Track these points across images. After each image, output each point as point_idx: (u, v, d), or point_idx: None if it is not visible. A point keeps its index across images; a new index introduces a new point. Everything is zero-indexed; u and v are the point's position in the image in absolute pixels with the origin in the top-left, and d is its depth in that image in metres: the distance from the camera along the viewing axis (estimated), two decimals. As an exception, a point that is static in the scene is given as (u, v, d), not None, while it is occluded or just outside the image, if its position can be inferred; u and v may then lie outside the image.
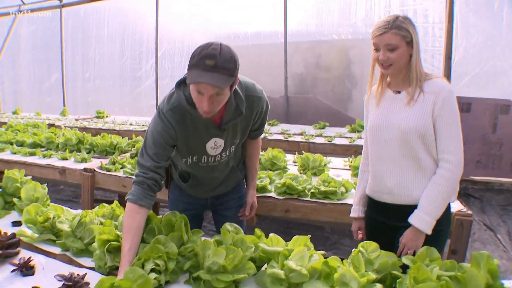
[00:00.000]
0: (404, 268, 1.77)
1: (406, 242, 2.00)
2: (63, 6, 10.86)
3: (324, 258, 1.77)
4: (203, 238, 2.08)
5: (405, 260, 1.78)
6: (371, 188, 2.25)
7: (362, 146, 5.36)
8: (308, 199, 3.11)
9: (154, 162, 2.02)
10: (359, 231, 2.40)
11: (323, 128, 7.32)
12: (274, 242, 1.94)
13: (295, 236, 1.92)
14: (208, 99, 1.80)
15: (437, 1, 7.26)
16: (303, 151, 4.11)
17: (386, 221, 2.18)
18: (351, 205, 2.86)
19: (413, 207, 2.02)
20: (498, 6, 6.81)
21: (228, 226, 2.07)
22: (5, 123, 7.01)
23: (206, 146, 2.14)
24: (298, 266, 1.67)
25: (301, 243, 1.89)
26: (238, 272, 1.78)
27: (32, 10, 11.28)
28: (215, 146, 2.15)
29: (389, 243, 2.02)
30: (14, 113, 10.28)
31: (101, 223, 2.16)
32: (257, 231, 2.07)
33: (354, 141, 5.88)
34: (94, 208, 3.77)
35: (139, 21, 10.11)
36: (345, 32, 8.17)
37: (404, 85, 2.06)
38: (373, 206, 2.28)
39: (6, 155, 4.70)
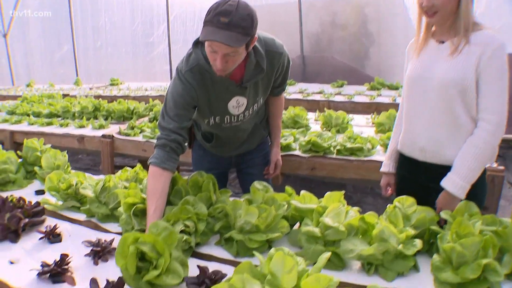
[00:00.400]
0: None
1: (441, 206, 1.87)
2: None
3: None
4: (231, 198, 2.01)
5: (444, 215, 1.67)
6: (403, 143, 2.11)
7: (383, 104, 5.37)
8: (334, 156, 3.03)
9: (176, 123, 1.93)
10: (388, 187, 2.28)
11: (341, 86, 7.14)
12: (306, 199, 1.85)
13: (328, 193, 1.82)
14: (221, 58, 1.73)
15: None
16: (325, 109, 3.99)
17: (416, 180, 2.06)
18: (378, 162, 2.79)
19: (445, 167, 1.88)
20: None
21: (257, 184, 1.98)
22: (19, 96, 6.96)
23: (228, 105, 2.05)
24: (335, 223, 1.58)
25: (335, 200, 1.78)
26: (272, 231, 1.70)
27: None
28: (237, 105, 2.06)
29: (419, 203, 1.84)
30: (27, 86, 10.21)
31: (125, 187, 2.09)
32: (288, 188, 1.98)
33: (374, 98, 5.72)
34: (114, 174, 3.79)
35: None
36: (361, -11, 7.90)
37: (449, 34, 1.87)
38: (403, 162, 2.15)
39: (24, 127, 4.67)
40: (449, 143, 1.88)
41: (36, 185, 2.64)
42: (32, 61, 11.97)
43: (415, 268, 1.54)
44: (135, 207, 1.81)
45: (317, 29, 8.40)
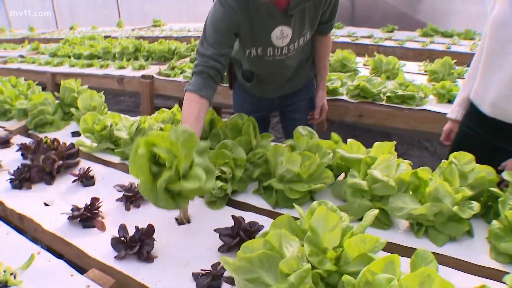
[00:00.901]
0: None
1: (510, 170, 1.62)
2: None
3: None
4: (272, 143, 1.87)
5: (507, 176, 1.46)
6: (475, 92, 1.87)
7: (436, 51, 5.01)
8: (384, 103, 2.82)
9: (215, 50, 1.80)
10: (450, 135, 2.08)
11: (391, 31, 6.72)
12: (354, 149, 1.68)
13: (377, 142, 1.63)
14: None
15: None
16: (375, 53, 3.73)
17: (481, 135, 1.85)
18: (430, 112, 2.59)
19: None
20: None
21: (301, 129, 1.81)
22: (63, 39, 6.94)
23: (272, 35, 1.89)
24: (384, 177, 1.41)
25: (385, 150, 1.60)
26: (314, 181, 1.56)
27: None
28: (281, 35, 1.90)
29: (482, 160, 1.61)
30: (71, 29, 10.22)
31: (161, 129, 1.98)
32: (334, 135, 1.80)
33: (426, 45, 5.32)
34: (154, 116, 3.73)
35: None
36: None
37: None
38: (472, 113, 1.91)
39: (65, 69, 4.65)
40: None
41: (73, 126, 2.60)
42: (76, 4, 11.93)
43: (469, 233, 1.36)
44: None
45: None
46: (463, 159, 1.55)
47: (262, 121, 2.28)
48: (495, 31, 1.71)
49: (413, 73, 3.80)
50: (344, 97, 2.88)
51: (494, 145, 1.79)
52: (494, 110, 1.75)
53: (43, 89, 3.21)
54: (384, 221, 1.41)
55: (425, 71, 3.75)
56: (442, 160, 1.58)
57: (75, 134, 2.43)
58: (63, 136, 2.46)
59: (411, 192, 1.45)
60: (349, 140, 1.72)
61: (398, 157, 1.55)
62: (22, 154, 2.15)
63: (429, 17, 7.21)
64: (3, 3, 13.33)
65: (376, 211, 1.13)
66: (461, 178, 1.49)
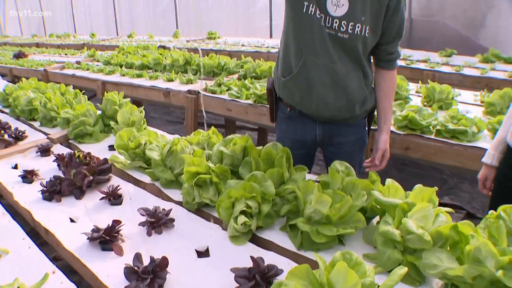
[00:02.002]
0: None
1: None
2: None
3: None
4: (308, 177, 1.77)
5: None
6: None
7: (495, 79, 4.74)
8: (432, 137, 2.67)
9: None
10: (486, 182, 1.92)
11: (449, 56, 6.46)
12: (391, 191, 1.53)
13: (418, 187, 1.48)
14: None
15: None
16: (429, 81, 3.56)
17: None
18: (483, 149, 2.35)
19: None
20: None
21: (338, 165, 1.71)
22: (119, 47, 7.12)
23: None
24: (420, 229, 1.26)
25: (424, 197, 1.45)
26: (344, 224, 1.44)
27: None
28: (337, 2, 1.82)
29: None
30: (129, 36, 10.53)
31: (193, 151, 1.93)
32: (373, 174, 1.67)
33: (486, 72, 5.03)
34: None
35: None
36: None
37: None
38: (509, 157, 1.76)
39: (115, 78, 4.74)
40: None
41: (111, 139, 2.60)
42: (136, 12, 12.30)
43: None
44: (198, 177, 1.64)
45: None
46: (514, 213, 1.38)
47: (306, 159, 2.19)
48: None
49: (468, 103, 3.60)
50: (391, 127, 2.74)
51: None
52: None
53: (94, 96, 3.26)
54: (415, 276, 1.27)
55: (482, 102, 3.53)
56: (489, 212, 1.42)
57: (112, 148, 2.43)
58: (101, 149, 2.46)
59: (448, 248, 1.31)
60: (387, 180, 1.59)
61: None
62: (58, 165, 2.17)
63: (492, 41, 6.90)
64: (71, 8, 13.93)
65: (405, 269, 1.01)
66: (510, 236, 1.29)
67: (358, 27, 1.86)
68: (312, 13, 1.86)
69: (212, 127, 2.15)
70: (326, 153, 2.25)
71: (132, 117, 2.46)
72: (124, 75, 4.75)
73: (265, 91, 3.16)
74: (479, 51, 6.62)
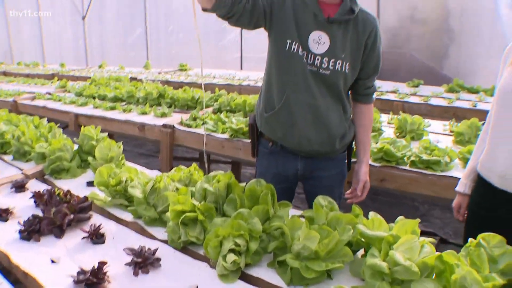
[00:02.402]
0: None
1: None
2: (148, -43, 10.74)
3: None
4: (291, 212, 1.79)
5: None
6: (482, 163, 1.79)
7: (461, 109, 4.94)
8: (407, 168, 2.74)
9: None
10: (460, 210, 1.98)
11: (417, 86, 6.69)
12: (375, 224, 1.57)
13: (401, 219, 1.54)
14: None
15: None
16: (401, 112, 3.68)
17: (492, 211, 1.74)
18: (457, 178, 2.43)
19: None
20: None
21: (321, 200, 1.74)
22: (90, 78, 7.08)
23: (310, 37, 1.93)
24: (407, 261, 1.30)
25: (408, 229, 1.49)
26: (332, 258, 1.47)
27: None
28: (318, 40, 1.92)
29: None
30: (99, 67, 10.49)
31: (177, 189, 1.92)
32: (355, 208, 1.71)
33: (452, 102, 5.25)
34: (172, 167, 3.68)
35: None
36: (444, -19, 7.37)
37: None
38: (481, 187, 1.82)
39: (88, 110, 4.70)
40: None
41: (89, 175, 2.57)
42: (106, 43, 12.29)
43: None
44: (184, 215, 1.63)
45: (395, 24, 7.90)
46: (493, 241, 1.43)
47: (287, 193, 2.21)
48: (503, 99, 1.68)
49: (438, 133, 3.72)
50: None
51: (508, 219, 1.67)
52: (504, 182, 1.66)
53: (66, 127, 3.22)
54: (405, 308, 1.30)
55: (451, 131, 3.68)
56: (469, 240, 1.47)
57: (90, 184, 2.39)
58: (78, 185, 2.42)
59: (434, 277, 1.35)
60: (370, 214, 1.63)
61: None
62: (35, 202, 2.12)
63: (455, 72, 7.19)
64: (40, 36, 13.80)
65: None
66: (491, 263, 1.37)
67: (339, 63, 1.95)
68: (295, 51, 1.93)
69: (194, 164, 2.15)
70: (306, 186, 2.29)
71: (111, 153, 2.45)
72: (97, 107, 4.71)
73: (241, 126, 3.22)
74: (444, 81, 6.88)
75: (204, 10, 1.82)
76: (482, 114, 4.59)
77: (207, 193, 1.82)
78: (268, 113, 2.08)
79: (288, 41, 1.94)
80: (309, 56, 1.94)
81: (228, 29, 9.72)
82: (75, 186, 2.39)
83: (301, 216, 1.76)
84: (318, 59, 1.93)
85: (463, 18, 7.30)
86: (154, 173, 2.38)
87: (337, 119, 2.07)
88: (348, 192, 2.24)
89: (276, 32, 1.97)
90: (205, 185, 1.83)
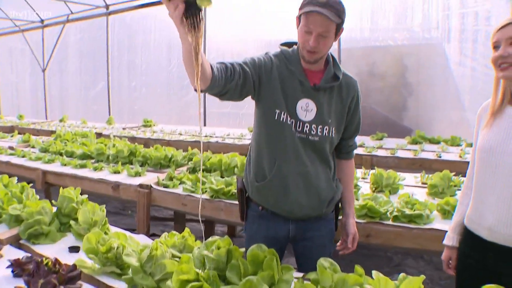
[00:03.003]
0: None
1: None
2: (109, 13, 10.82)
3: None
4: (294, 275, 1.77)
5: None
6: (470, 218, 1.87)
7: (427, 160, 5.12)
8: (391, 222, 2.77)
9: (238, 62, 1.94)
10: (450, 262, 2.04)
11: (381, 139, 6.90)
12: (382, 284, 1.58)
13: (403, 276, 1.58)
14: (315, 37, 1.86)
15: (501, 1, 6.83)
16: (376, 167, 3.76)
17: (483, 261, 1.80)
18: (440, 230, 2.57)
19: None
20: None
21: (324, 262, 1.72)
22: (53, 132, 6.92)
23: (297, 105, 2.00)
24: None
25: (414, 286, 1.51)
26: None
27: (80, 19, 11.32)
28: (306, 107, 2.00)
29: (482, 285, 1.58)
30: (60, 121, 10.29)
31: (173, 256, 1.86)
32: (358, 268, 1.71)
33: (418, 154, 5.47)
34: (149, 227, 3.58)
35: (186, 27, 9.90)
36: (401, 38, 7.77)
37: None
38: (469, 240, 1.88)
39: (56, 167, 4.55)
40: None
41: (70, 239, 2.44)
42: (67, 96, 12.15)
43: None
44: (190, 285, 1.57)
45: (356, 79, 8.22)
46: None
47: (278, 254, 2.17)
48: (484, 158, 1.77)
49: (412, 185, 3.82)
50: (352, 217, 2.82)
51: (497, 271, 1.72)
52: (493, 234, 1.73)
53: (30, 183, 3.07)
54: None
55: (423, 183, 3.82)
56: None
57: (73, 249, 2.28)
58: (59, 250, 2.30)
59: None
60: (373, 272, 1.64)
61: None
62: (12, 271, 1.97)
63: (414, 123, 7.57)
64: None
65: None
66: None
67: (326, 129, 2.03)
68: (284, 120, 1.99)
69: (186, 229, 2.09)
70: (297, 247, 2.27)
71: (95, 217, 2.35)
72: (65, 164, 4.57)
73: (222, 186, 3.20)
74: (404, 132, 7.22)
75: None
76: (447, 164, 4.84)
77: (207, 259, 1.77)
78: (259, 183, 2.10)
79: (277, 111, 1.99)
80: (298, 124, 2.00)
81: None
82: (55, 251, 2.27)
83: (305, 278, 1.75)
84: (307, 126, 2.00)
85: (419, 72, 7.72)
86: (141, 238, 2.29)
87: (327, 182, 2.13)
88: (338, 244, 2.30)
89: (265, 102, 2.02)
90: (204, 252, 1.78)
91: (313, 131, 2.01)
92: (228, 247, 1.79)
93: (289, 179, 2.04)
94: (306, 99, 2.00)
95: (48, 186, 4.65)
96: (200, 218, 1.92)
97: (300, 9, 1.89)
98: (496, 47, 1.69)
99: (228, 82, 1.84)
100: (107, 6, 10.74)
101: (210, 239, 1.90)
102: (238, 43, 9.21)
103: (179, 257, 1.88)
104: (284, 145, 2.01)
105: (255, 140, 2.13)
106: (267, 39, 8.81)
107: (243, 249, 1.83)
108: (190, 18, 1.38)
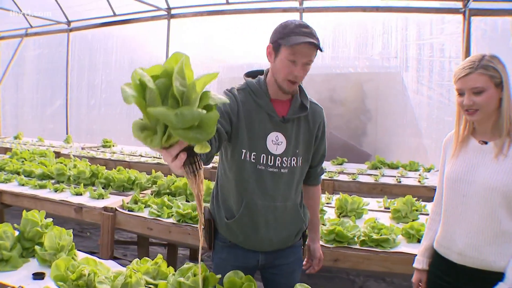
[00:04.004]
0: None
1: None
2: (71, 30, 10.63)
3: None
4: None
5: None
6: (440, 243, 1.98)
7: (388, 185, 5.26)
8: (358, 247, 2.85)
9: None
10: (420, 284, 2.12)
11: (341, 164, 7.05)
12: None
13: None
14: (302, 65, 1.85)
15: (454, 35, 7.25)
16: (340, 193, 3.83)
17: (454, 283, 1.90)
18: (406, 254, 2.69)
19: (487, 272, 1.76)
20: (514, 41, 6.78)
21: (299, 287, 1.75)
22: (8, 149, 6.69)
23: (267, 139, 1.97)
24: None
25: None
26: None
27: (39, 33, 11.06)
28: (276, 141, 1.98)
29: None
30: (15, 138, 9.95)
31: (147, 283, 1.83)
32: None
33: (378, 179, 5.62)
34: (113, 251, 3.49)
35: (148, 47, 9.85)
36: (361, 66, 8.03)
37: (492, 134, 1.82)
38: (439, 263, 1.99)
39: (14, 187, 4.37)
40: (492, 249, 1.75)
41: (33, 265, 2.32)
42: (22, 112, 11.76)
43: None
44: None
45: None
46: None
47: None
48: (452, 187, 1.89)
49: (376, 210, 3.93)
50: (320, 242, 2.84)
51: None
52: (463, 258, 1.82)
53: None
54: None
55: (385, 208, 3.95)
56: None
57: (38, 276, 2.19)
58: (23, 278, 2.19)
59: None
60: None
61: None
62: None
63: (373, 149, 7.79)
64: None
65: None
66: None
67: (294, 160, 2.02)
68: (249, 159, 1.98)
69: (159, 255, 2.05)
70: (266, 274, 2.25)
71: (62, 242, 2.27)
72: (23, 184, 4.40)
73: (189, 211, 3.18)
74: (363, 157, 7.41)
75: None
76: (407, 189, 5.01)
77: (184, 287, 1.74)
78: (229, 220, 2.07)
79: (243, 151, 1.97)
80: (270, 158, 1.98)
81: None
82: (18, 279, 2.17)
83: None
84: (278, 160, 1.99)
85: (378, 99, 7.97)
86: (110, 264, 2.23)
87: (296, 214, 2.12)
88: (304, 263, 2.34)
89: (233, 143, 1.99)
90: (180, 279, 1.76)
91: (284, 164, 2.00)
92: (204, 274, 1.77)
93: (258, 216, 2.01)
94: (275, 132, 1.98)
95: (2, 207, 4.46)
96: (200, 262, 1.84)
97: (280, 38, 1.85)
98: (460, 94, 1.81)
99: (211, 157, 1.83)
100: (68, 23, 10.55)
101: (185, 265, 1.87)
102: (199, 66, 9.23)
103: (154, 285, 1.85)
104: (251, 183, 1.99)
105: (221, 178, 2.11)
106: (230, 62, 8.88)
107: (219, 276, 1.81)
108: (189, 166, 1.20)
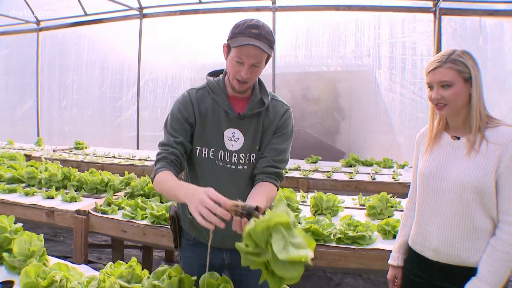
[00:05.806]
0: None
1: None
2: (40, 29, 10.40)
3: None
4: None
5: None
6: (414, 239, 2.00)
7: (362, 182, 5.31)
8: (334, 244, 2.84)
9: (172, 138, 1.95)
10: (395, 280, 2.14)
11: (315, 162, 7.08)
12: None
13: None
14: (248, 67, 1.84)
15: (425, 34, 7.38)
16: (315, 191, 3.83)
17: (429, 279, 1.92)
18: (382, 250, 2.70)
19: (461, 268, 1.79)
20: (483, 40, 6.98)
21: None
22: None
23: (224, 134, 1.99)
24: None
25: None
26: None
27: (7, 33, 10.79)
28: (232, 137, 1.99)
29: None
30: (-17, 140, 9.70)
31: (121, 287, 1.78)
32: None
33: (353, 176, 5.67)
34: (87, 255, 3.42)
35: (120, 48, 9.71)
36: (334, 64, 8.08)
37: (464, 130, 1.83)
38: (414, 259, 2.01)
39: (-19, 192, 4.23)
40: (465, 245, 1.78)
41: (1, 273, 2.24)
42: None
43: None
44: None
45: (289, 103, 8.33)
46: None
47: None
48: (424, 183, 1.91)
49: (351, 208, 3.95)
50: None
51: (441, 286, 1.85)
52: (437, 254, 1.85)
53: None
54: None
55: (361, 205, 3.97)
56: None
57: (6, 284, 2.12)
58: (-10, 286, 2.14)
59: None
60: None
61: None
62: None
63: (347, 146, 7.87)
64: None
65: None
66: None
67: (254, 156, 2.02)
68: (206, 156, 2.01)
69: (133, 258, 2.02)
70: (234, 275, 2.23)
71: (32, 247, 2.21)
72: (-8, 189, 4.28)
73: (163, 212, 3.15)
74: (337, 155, 7.45)
75: None
76: (382, 186, 5.07)
77: (158, 290, 1.71)
78: (191, 216, 2.03)
79: (198, 148, 2.00)
80: (226, 154, 1.99)
81: (124, 107, 9.62)
82: (-15, 287, 2.10)
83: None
84: (235, 156, 1.99)
85: (351, 97, 8.04)
86: (83, 268, 2.18)
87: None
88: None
89: (193, 141, 2.01)
90: (155, 282, 1.73)
91: (242, 160, 2.00)
92: (180, 276, 1.75)
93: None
94: (232, 128, 1.99)
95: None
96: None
97: (230, 38, 1.87)
98: (430, 87, 1.83)
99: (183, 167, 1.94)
100: (38, 22, 10.32)
101: (160, 268, 1.85)
102: (172, 66, 9.16)
103: (129, 289, 1.81)
104: (210, 179, 2.00)
105: (185, 174, 2.14)
106: (202, 63, 8.84)
107: (194, 277, 1.79)
108: None
